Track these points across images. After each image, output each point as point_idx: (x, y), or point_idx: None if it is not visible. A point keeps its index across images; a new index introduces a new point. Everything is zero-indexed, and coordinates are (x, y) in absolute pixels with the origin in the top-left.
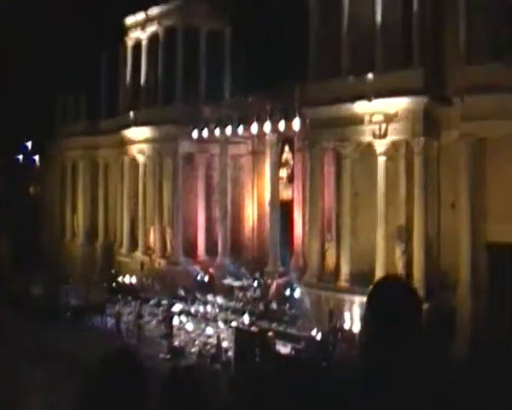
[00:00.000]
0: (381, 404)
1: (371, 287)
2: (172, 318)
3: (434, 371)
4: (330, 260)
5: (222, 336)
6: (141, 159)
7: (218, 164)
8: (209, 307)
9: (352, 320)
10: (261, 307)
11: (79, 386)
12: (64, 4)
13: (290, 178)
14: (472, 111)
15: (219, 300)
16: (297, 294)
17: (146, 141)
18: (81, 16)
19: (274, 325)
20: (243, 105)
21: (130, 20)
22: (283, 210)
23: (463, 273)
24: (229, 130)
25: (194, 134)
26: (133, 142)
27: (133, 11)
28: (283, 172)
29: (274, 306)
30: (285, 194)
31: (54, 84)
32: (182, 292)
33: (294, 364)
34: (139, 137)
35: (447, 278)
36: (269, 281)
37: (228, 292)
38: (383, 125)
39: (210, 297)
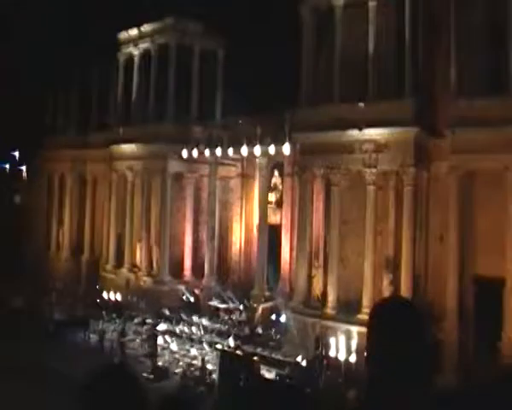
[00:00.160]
0: None
1: (376, 309)
2: (157, 337)
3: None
4: (317, 286)
5: (206, 358)
6: (129, 175)
7: (206, 185)
8: (194, 329)
9: (338, 348)
10: (246, 330)
11: (65, 404)
12: (57, 17)
13: (279, 203)
14: (462, 144)
15: (205, 321)
16: (283, 319)
17: (135, 158)
18: (75, 29)
19: (259, 349)
20: (234, 127)
21: (123, 35)
22: (271, 234)
23: (450, 305)
24: (219, 151)
25: (184, 154)
26: (122, 158)
27: (128, 26)
28: (272, 197)
29: (259, 330)
30: (273, 218)
31: (44, 95)
32: (167, 312)
33: (279, 389)
34: (128, 153)
35: (434, 309)
36: (255, 305)
37: (213, 314)
38: (373, 155)
39: (195, 318)
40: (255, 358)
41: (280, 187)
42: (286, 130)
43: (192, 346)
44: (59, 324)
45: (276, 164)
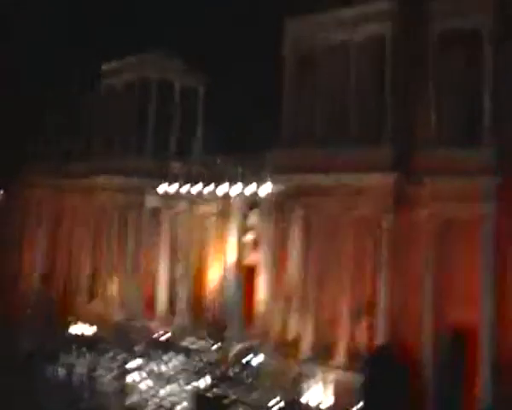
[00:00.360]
0: None
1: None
2: (127, 374)
3: None
4: (293, 329)
5: (177, 398)
6: (107, 208)
7: (183, 222)
8: (164, 367)
9: (312, 392)
10: (218, 372)
11: None
12: (44, 43)
13: (255, 243)
14: (441, 192)
15: (176, 361)
16: (256, 361)
17: (113, 190)
18: (60, 57)
19: (231, 391)
20: (212, 165)
21: (106, 66)
22: (247, 275)
23: (426, 353)
24: (196, 188)
25: (161, 189)
26: (101, 189)
27: (112, 57)
28: (248, 237)
29: (232, 372)
30: (250, 259)
31: (28, 121)
32: (138, 348)
33: None
34: (107, 185)
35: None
36: (228, 346)
37: (185, 353)
38: (353, 199)
39: (166, 357)
40: (226, 400)
41: (257, 227)
42: (265, 171)
43: (162, 386)
44: (28, 354)
45: (254, 204)
